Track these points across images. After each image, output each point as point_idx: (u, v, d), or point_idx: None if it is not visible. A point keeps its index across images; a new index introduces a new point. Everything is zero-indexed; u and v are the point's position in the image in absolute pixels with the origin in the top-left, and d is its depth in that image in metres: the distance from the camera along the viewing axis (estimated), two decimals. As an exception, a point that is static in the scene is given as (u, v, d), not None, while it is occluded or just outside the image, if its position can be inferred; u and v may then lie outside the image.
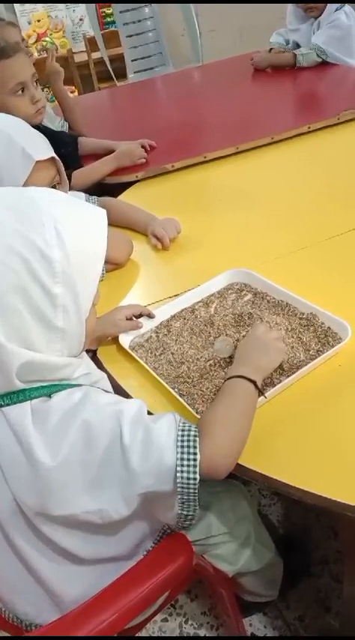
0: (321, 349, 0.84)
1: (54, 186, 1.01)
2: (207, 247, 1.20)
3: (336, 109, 1.68)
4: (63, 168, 1.03)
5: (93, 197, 1.26)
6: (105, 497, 0.64)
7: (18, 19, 3.97)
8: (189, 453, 0.64)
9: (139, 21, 3.10)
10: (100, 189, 1.51)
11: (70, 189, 1.25)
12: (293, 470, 0.69)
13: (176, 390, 0.82)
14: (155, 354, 0.91)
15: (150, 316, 0.97)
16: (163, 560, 0.72)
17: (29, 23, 4.01)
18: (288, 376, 0.80)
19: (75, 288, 0.62)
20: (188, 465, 0.63)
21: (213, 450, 0.66)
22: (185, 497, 0.65)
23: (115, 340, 0.96)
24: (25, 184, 0.94)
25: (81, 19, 4.01)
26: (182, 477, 0.63)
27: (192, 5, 3.07)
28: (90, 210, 0.67)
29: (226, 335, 0.90)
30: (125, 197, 1.46)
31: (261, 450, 0.73)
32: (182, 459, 0.63)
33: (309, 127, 1.64)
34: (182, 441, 0.64)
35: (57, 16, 4.01)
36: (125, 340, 0.94)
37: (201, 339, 0.91)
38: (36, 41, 4.01)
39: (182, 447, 0.64)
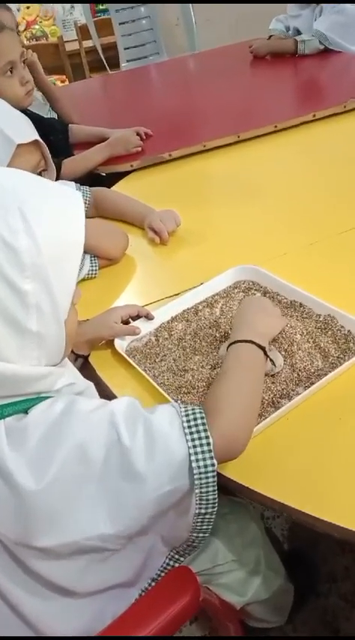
0: (342, 356, 0.75)
1: (39, 174, 0.93)
2: (209, 242, 1.11)
3: (342, 97, 1.59)
4: (48, 153, 0.94)
5: (85, 187, 1.18)
6: (108, 515, 0.54)
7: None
8: (200, 438, 0.56)
9: (132, 8, 3.00)
10: (93, 180, 1.42)
11: (60, 178, 1.17)
12: (317, 498, 0.60)
13: (179, 402, 0.73)
14: (155, 360, 0.82)
15: (148, 317, 0.88)
16: (167, 600, 0.63)
17: (18, 10, 3.88)
18: (306, 387, 0.71)
19: (49, 283, 0.53)
20: (202, 452, 0.56)
21: (225, 426, 0.58)
22: (204, 489, 0.57)
23: (110, 344, 0.86)
24: None
25: (72, 7, 3.89)
26: (198, 467, 0.56)
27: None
28: (62, 191, 0.58)
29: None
30: (119, 188, 1.37)
31: (277, 473, 0.64)
32: (194, 447, 0.56)
33: (314, 115, 1.55)
34: (189, 426, 0.57)
35: (47, 4, 3.89)
36: (121, 344, 0.85)
37: (206, 344, 0.82)
38: (25, 29, 3.89)
39: (191, 433, 0.56)
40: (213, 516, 0.60)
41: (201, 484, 0.56)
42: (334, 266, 0.96)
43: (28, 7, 3.86)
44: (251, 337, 0.67)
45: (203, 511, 0.59)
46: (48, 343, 0.55)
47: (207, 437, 0.56)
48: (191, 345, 0.82)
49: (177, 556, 0.68)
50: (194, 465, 0.55)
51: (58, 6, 3.92)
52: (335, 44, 2.06)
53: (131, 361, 0.81)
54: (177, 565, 0.68)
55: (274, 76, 1.99)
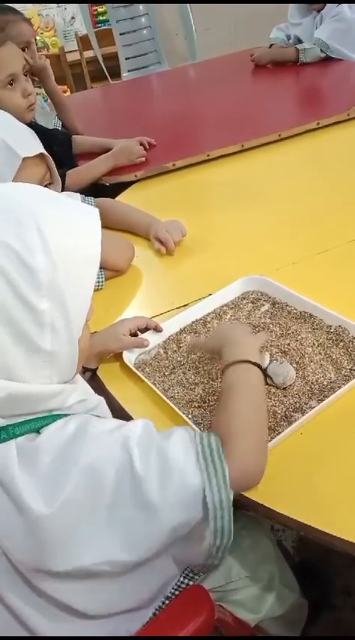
0: (354, 368, 0.74)
1: (45, 186, 0.92)
2: (215, 252, 1.10)
3: (345, 105, 1.59)
4: (54, 166, 0.94)
5: (90, 198, 1.17)
6: (119, 542, 0.52)
7: (7, 17, 3.86)
8: (215, 470, 0.54)
9: (133, 18, 3.01)
10: (97, 190, 1.41)
11: (64, 189, 1.16)
12: (335, 516, 0.59)
13: (190, 416, 0.72)
14: (164, 374, 0.81)
15: (157, 330, 0.86)
16: (182, 620, 0.61)
17: (19, 22, 3.90)
18: (319, 401, 0.70)
19: (64, 302, 0.52)
20: (218, 484, 0.53)
21: (241, 457, 0.56)
22: (219, 522, 0.55)
23: (118, 357, 0.85)
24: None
25: (73, 18, 3.92)
26: (213, 501, 0.53)
27: (187, 2, 2.99)
28: (80, 208, 0.58)
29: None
30: (124, 198, 1.37)
31: (294, 491, 0.62)
32: (209, 479, 0.53)
33: (318, 123, 1.55)
34: (204, 457, 0.54)
35: (48, 15, 3.92)
36: (129, 357, 0.84)
37: (217, 356, 0.81)
38: (26, 40, 3.91)
39: (206, 462, 0.54)
40: (229, 544, 0.58)
41: (216, 516, 0.54)
42: (344, 275, 0.95)
43: (30, 19, 3.89)
44: (246, 356, 0.66)
45: (218, 542, 0.56)
46: (60, 362, 0.54)
47: (222, 468, 0.54)
48: (201, 358, 0.81)
49: (191, 574, 0.67)
50: (208, 497, 0.53)
51: (58, 17, 3.95)
52: (336, 52, 2.07)
53: (140, 375, 0.80)
54: (191, 583, 0.67)
55: (276, 85, 1.99)
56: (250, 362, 0.65)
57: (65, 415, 0.56)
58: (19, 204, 0.52)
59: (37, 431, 0.54)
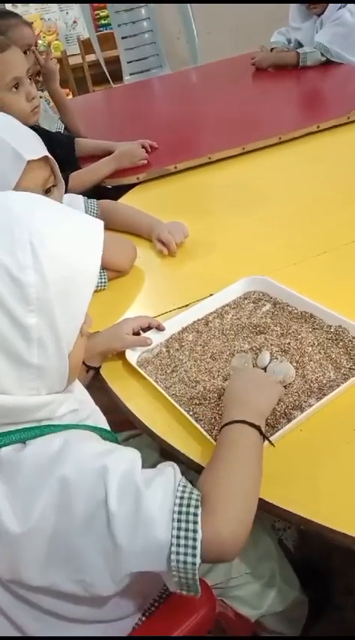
0: (354, 367, 0.75)
1: (49, 189, 0.93)
2: (217, 253, 1.12)
3: (345, 108, 1.60)
4: (58, 169, 0.95)
5: (93, 200, 1.19)
6: (88, 570, 0.52)
7: (10, 21, 3.89)
8: (187, 530, 0.50)
9: (135, 22, 3.04)
10: (99, 192, 1.42)
11: (67, 191, 1.17)
12: (333, 510, 0.60)
13: (191, 413, 0.73)
14: (166, 372, 0.82)
15: (159, 329, 0.88)
16: (183, 613, 0.62)
17: (22, 26, 3.93)
18: (318, 399, 0.71)
19: (53, 317, 0.51)
20: (186, 546, 0.50)
21: (221, 524, 0.52)
22: (183, 580, 0.52)
23: (121, 355, 0.86)
24: (17, 186, 0.86)
25: (75, 22, 3.94)
26: (178, 561, 0.50)
27: (189, 6, 3.01)
28: (82, 221, 0.57)
29: (244, 351, 0.81)
30: (126, 200, 1.38)
31: (294, 486, 0.63)
32: (178, 537, 0.50)
33: (318, 127, 1.56)
34: (179, 512, 0.51)
35: (50, 19, 3.94)
36: (132, 356, 0.85)
37: (217, 355, 0.82)
38: (29, 44, 3.93)
39: (179, 520, 0.51)
40: (199, 594, 0.54)
41: (179, 576, 0.52)
42: (344, 276, 0.96)
43: (31, 23, 3.91)
44: (244, 417, 0.62)
45: (184, 592, 0.54)
46: (49, 374, 0.54)
47: (195, 531, 0.50)
48: (202, 356, 0.82)
49: None
50: (173, 557, 0.50)
51: (61, 21, 3.98)
52: (336, 56, 2.08)
53: (143, 372, 0.81)
54: None
55: (277, 88, 2.01)
56: (246, 422, 0.62)
57: (54, 427, 0.55)
58: (15, 218, 0.51)
59: (24, 441, 0.53)
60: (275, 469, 0.65)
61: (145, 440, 0.93)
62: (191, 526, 0.50)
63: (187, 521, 0.51)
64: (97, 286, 1.04)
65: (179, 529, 0.50)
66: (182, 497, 0.52)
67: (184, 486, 0.54)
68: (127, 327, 0.87)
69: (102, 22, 3.78)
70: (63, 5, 3.94)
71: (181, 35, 3.17)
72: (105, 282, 1.05)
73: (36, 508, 0.50)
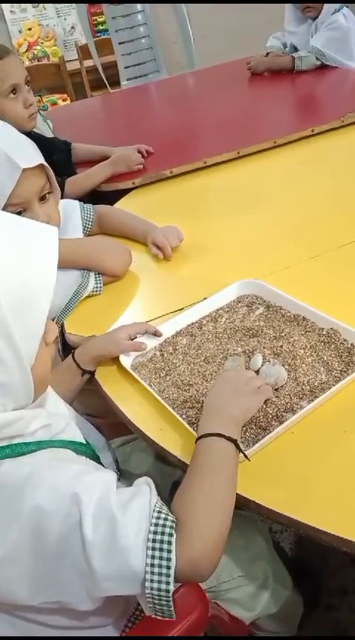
0: (345, 369, 0.75)
1: (44, 196, 0.94)
2: (212, 257, 1.13)
3: (339, 112, 1.62)
4: (53, 176, 0.96)
5: (88, 205, 1.20)
6: (64, 591, 0.53)
7: (9, 27, 3.93)
8: (161, 558, 0.51)
9: (132, 28, 3.05)
10: (95, 197, 1.44)
11: (64, 197, 1.18)
12: (323, 512, 0.60)
13: (184, 416, 0.74)
14: (160, 375, 0.83)
15: (156, 335, 0.88)
16: (175, 619, 0.62)
17: (20, 32, 3.97)
18: (310, 401, 0.72)
19: (9, 333, 0.51)
20: (160, 574, 0.51)
21: (194, 550, 0.53)
22: (157, 606, 0.53)
23: (116, 360, 0.87)
24: (12, 194, 0.87)
25: (72, 27, 3.98)
26: (152, 588, 0.51)
27: (185, 11, 3.02)
28: (37, 233, 0.56)
29: (237, 354, 0.82)
30: (122, 205, 1.39)
31: (285, 488, 0.64)
32: (152, 565, 0.51)
33: (313, 130, 1.57)
34: (154, 540, 0.51)
35: (48, 25, 3.97)
36: (126, 359, 0.86)
37: (211, 358, 0.83)
38: (27, 50, 3.96)
39: (153, 549, 0.51)
40: (173, 617, 0.55)
41: (153, 602, 0.52)
42: (337, 279, 0.97)
43: (29, 29, 3.94)
44: (220, 429, 0.61)
45: (159, 616, 0.55)
46: (12, 390, 0.54)
47: (169, 559, 0.51)
48: (195, 360, 0.83)
49: None
50: (147, 584, 0.51)
51: (58, 27, 4.00)
52: (331, 60, 2.10)
53: (136, 376, 0.82)
54: None
55: (272, 92, 2.02)
56: (223, 436, 0.61)
57: (27, 444, 0.55)
58: None
59: None
60: (267, 470, 0.66)
61: (140, 444, 0.94)
62: (165, 554, 0.51)
63: (161, 550, 0.51)
64: (93, 291, 1.05)
65: (153, 557, 0.51)
66: (157, 525, 0.52)
67: (159, 512, 0.54)
68: (123, 332, 0.87)
69: (100, 27, 3.81)
70: (61, 11, 3.97)
71: (178, 40, 3.18)
72: (100, 287, 1.06)
73: (8, 535, 0.50)
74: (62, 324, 0.99)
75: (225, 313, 0.92)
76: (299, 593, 0.96)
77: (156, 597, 0.52)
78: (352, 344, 0.79)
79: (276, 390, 0.74)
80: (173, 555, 0.51)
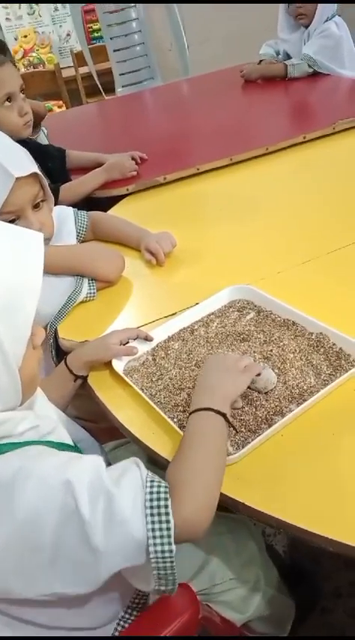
0: (333, 373, 0.77)
1: (38, 204, 0.95)
2: (204, 262, 1.14)
3: (331, 119, 1.64)
4: (47, 184, 0.97)
5: (82, 212, 1.21)
6: (62, 579, 0.54)
7: (4, 34, 3.95)
8: (160, 522, 0.54)
9: (126, 35, 3.08)
10: (89, 204, 1.45)
11: (58, 203, 1.20)
12: (311, 513, 0.61)
13: (175, 420, 0.75)
14: (152, 380, 0.84)
15: (147, 339, 0.89)
16: (166, 618, 0.63)
17: (16, 39, 3.99)
18: (299, 404, 0.73)
19: None
20: (161, 536, 0.53)
21: (188, 510, 0.56)
22: (162, 572, 0.55)
23: (108, 365, 0.88)
24: (6, 203, 0.88)
25: (68, 34, 4.01)
26: (155, 551, 0.54)
27: (179, 19, 3.06)
28: (22, 238, 0.58)
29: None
30: (115, 211, 1.40)
31: (273, 490, 0.65)
32: (153, 530, 0.53)
33: (304, 137, 1.59)
34: (151, 507, 0.54)
35: (44, 32, 4.00)
36: (118, 364, 0.87)
37: (202, 362, 0.84)
38: (23, 57, 3.99)
39: (152, 514, 0.54)
40: (175, 589, 0.58)
41: (158, 567, 0.55)
42: (326, 284, 0.98)
43: (25, 36, 3.97)
44: (210, 404, 0.65)
45: (163, 588, 0.57)
46: (1, 393, 0.55)
47: (167, 521, 0.54)
48: (187, 364, 0.84)
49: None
50: (151, 548, 0.53)
51: (54, 34, 4.03)
52: (323, 67, 2.13)
53: (128, 380, 0.83)
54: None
55: (265, 100, 2.04)
56: (213, 410, 0.65)
57: (14, 444, 0.56)
58: None
59: None
60: (256, 473, 0.67)
61: (132, 448, 0.95)
62: (163, 517, 0.54)
63: (159, 514, 0.54)
64: (87, 296, 1.06)
65: (153, 522, 0.54)
66: (151, 492, 0.55)
67: (152, 481, 0.56)
68: (115, 338, 0.88)
69: (95, 35, 3.84)
70: (56, 19, 4.01)
71: (173, 47, 3.21)
72: (94, 293, 1.07)
73: (4, 529, 0.51)
74: (56, 329, 1.00)
75: (217, 318, 0.93)
76: (291, 596, 0.97)
77: (161, 560, 0.54)
78: (340, 348, 0.80)
79: (266, 393, 0.75)
80: (171, 518, 0.54)
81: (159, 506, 0.54)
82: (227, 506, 0.66)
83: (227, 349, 0.85)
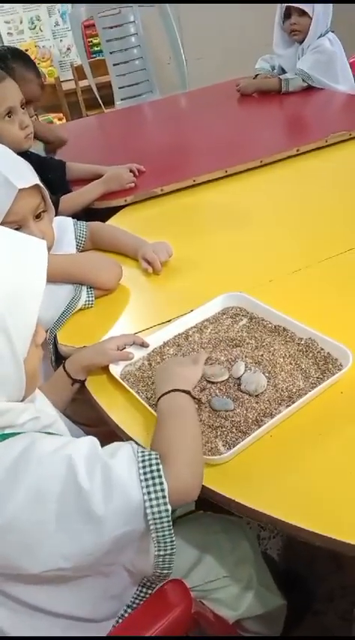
0: (321, 377, 0.80)
1: (39, 214, 0.99)
2: (200, 271, 1.17)
3: (324, 132, 1.69)
4: (48, 195, 1.01)
5: (82, 222, 1.24)
6: (67, 550, 0.57)
7: (6, 48, 4.01)
8: (154, 485, 0.59)
9: (126, 49, 3.15)
10: (89, 214, 1.49)
11: (58, 214, 1.23)
12: (299, 509, 0.64)
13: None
14: (147, 384, 0.87)
15: (143, 345, 0.92)
16: (159, 612, 0.66)
17: (17, 53, 4.05)
18: (288, 406, 0.76)
19: (8, 331, 0.58)
20: (157, 498, 0.59)
21: (179, 473, 0.61)
22: (160, 533, 0.60)
23: (105, 369, 0.91)
24: (9, 213, 0.92)
25: (68, 49, 4.08)
26: (152, 513, 0.59)
27: (177, 33, 3.13)
28: (28, 244, 0.63)
29: (219, 363, 0.86)
30: (114, 221, 1.44)
31: (263, 488, 0.68)
32: (149, 493, 0.59)
33: (298, 150, 1.64)
34: (145, 473, 0.59)
35: (44, 46, 4.07)
36: (115, 369, 0.90)
37: (196, 367, 0.87)
38: (24, 70, 4.05)
39: (146, 479, 0.59)
40: (173, 557, 0.63)
41: (156, 528, 0.59)
42: (316, 292, 1.02)
43: (26, 50, 4.03)
44: (173, 387, 0.72)
45: (162, 553, 0.62)
46: (6, 382, 0.60)
47: (161, 483, 0.59)
48: (181, 369, 0.87)
49: (148, 583, 0.72)
50: (148, 510, 0.58)
51: (54, 48, 4.11)
52: (317, 82, 2.18)
53: (125, 384, 0.86)
54: (150, 592, 0.72)
55: (260, 113, 2.09)
56: (177, 390, 0.71)
57: (15, 434, 0.61)
58: None
59: None
60: (247, 471, 0.70)
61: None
62: (157, 480, 0.59)
63: (153, 478, 0.59)
64: (85, 304, 1.09)
65: (147, 486, 0.59)
66: (143, 461, 0.60)
67: (142, 452, 0.62)
68: (112, 343, 0.91)
69: (95, 49, 3.91)
70: (57, 33, 4.08)
71: (171, 61, 3.28)
72: (92, 300, 1.10)
73: (9, 505, 0.55)
74: (55, 335, 1.03)
75: (211, 324, 0.97)
76: (284, 597, 0.99)
77: (158, 521, 0.59)
78: (328, 353, 0.83)
79: (257, 396, 0.78)
80: (164, 480, 0.59)
81: (152, 472, 0.59)
82: (219, 504, 0.69)
83: (220, 354, 0.88)
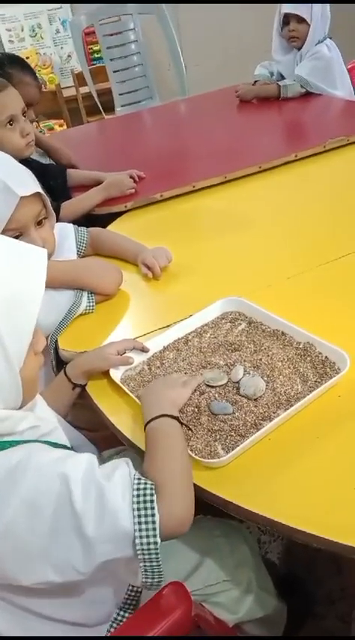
0: (319, 380, 0.81)
1: (40, 221, 1.00)
2: (199, 276, 1.18)
3: (322, 138, 1.70)
4: (49, 203, 1.02)
5: (83, 228, 1.25)
6: (57, 567, 0.58)
7: (7, 56, 4.04)
8: (146, 516, 0.58)
9: (126, 56, 3.17)
10: (89, 220, 1.50)
11: (59, 220, 1.24)
12: (297, 511, 0.65)
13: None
14: (147, 388, 0.88)
15: (143, 350, 0.93)
16: (159, 615, 0.66)
17: (18, 60, 4.08)
18: (286, 409, 0.77)
19: (2, 339, 0.57)
20: (147, 529, 0.58)
21: (172, 506, 0.61)
22: (148, 564, 0.59)
23: (106, 374, 0.92)
24: (10, 220, 0.93)
25: (69, 56, 4.10)
26: (142, 543, 0.58)
27: (177, 40, 3.15)
28: (28, 252, 0.63)
29: (219, 367, 0.87)
30: (114, 227, 1.45)
31: (262, 490, 0.69)
32: (140, 523, 0.58)
33: (296, 155, 1.65)
34: (138, 502, 0.59)
35: (45, 53, 4.10)
36: (116, 373, 0.91)
37: (195, 371, 0.88)
38: (25, 77, 4.08)
39: (139, 509, 0.58)
40: (162, 583, 0.62)
41: (144, 559, 0.59)
42: (313, 297, 1.03)
43: (27, 58, 4.06)
44: (162, 412, 0.71)
45: (149, 581, 0.61)
46: (2, 391, 0.60)
47: (153, 515, 0.58)
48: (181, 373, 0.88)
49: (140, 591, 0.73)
50: (137, 541, 0.58)
51: (55, 55, 4.14)
52: (315, 88, 2.20)
53: (125, 389, 0.87)
54: (140, 594, 0.73)
55: (259, 119, 2.11)
56: (163, 415, 0.70)
57: (15, 442, 0.61)
58: None
59: None
60: (245, 474, 0.70)
61: (129, 455, 0.98)
62: (149, 512, 0.58)
63: (145, 508, 0.58)
64: (86, 309, 1.10)
65: (139, 516, 0.58)
66: (138, 488, 0.60)
67: (139, 479, 0.61)
68: (112, 348, 0.92)
69: (96, 55, 3.94)
70: (58, 40, 4.11)
71: (171, 68, 3.31)
72: (93, 306, 1.11)
73: (3, 517, 0.55)
74: (56, 340, 1.04)
75: (210, 329, 0.98)
76: (284, 601, 1.00)
77: (146, 552, 0.58)
78: (326, 356, 0.84)
79: (255, 400, 0.79)
80: (156, 512, 0.58)
81: (145, 502, 0.58)
82: (218, 507, 0.69)
83: (219, 358, 0.89)
